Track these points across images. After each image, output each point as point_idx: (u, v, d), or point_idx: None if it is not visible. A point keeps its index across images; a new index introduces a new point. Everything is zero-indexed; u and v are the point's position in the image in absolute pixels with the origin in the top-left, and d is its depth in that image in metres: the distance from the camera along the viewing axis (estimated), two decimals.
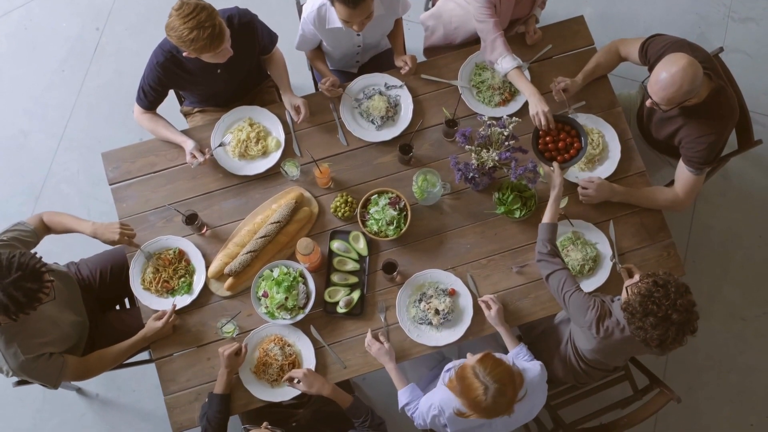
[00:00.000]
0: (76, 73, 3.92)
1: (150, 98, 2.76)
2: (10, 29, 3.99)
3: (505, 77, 2.85)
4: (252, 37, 2.76)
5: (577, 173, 2.83)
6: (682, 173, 2.69)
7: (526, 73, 2.93)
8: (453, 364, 2.45)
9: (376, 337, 2.61)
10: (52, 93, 3.89)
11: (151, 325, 2.63)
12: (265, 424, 2.26)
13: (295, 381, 2.50)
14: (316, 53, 3.08)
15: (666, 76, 2.38)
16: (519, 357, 2.56)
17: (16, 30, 3.99)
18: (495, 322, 2.61)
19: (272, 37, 2.90)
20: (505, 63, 2.79)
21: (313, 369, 2.62)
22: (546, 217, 2.55)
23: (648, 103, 2.52)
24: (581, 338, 2.51)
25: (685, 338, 2.19)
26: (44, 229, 2.66)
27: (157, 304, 2.70)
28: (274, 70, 2.97)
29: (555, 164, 2.62)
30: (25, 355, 2.37)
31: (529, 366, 2.41)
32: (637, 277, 2.29)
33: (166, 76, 2.70)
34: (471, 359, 2.18)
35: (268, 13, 3.65)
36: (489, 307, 2.62)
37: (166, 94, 2.80)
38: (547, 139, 2.73)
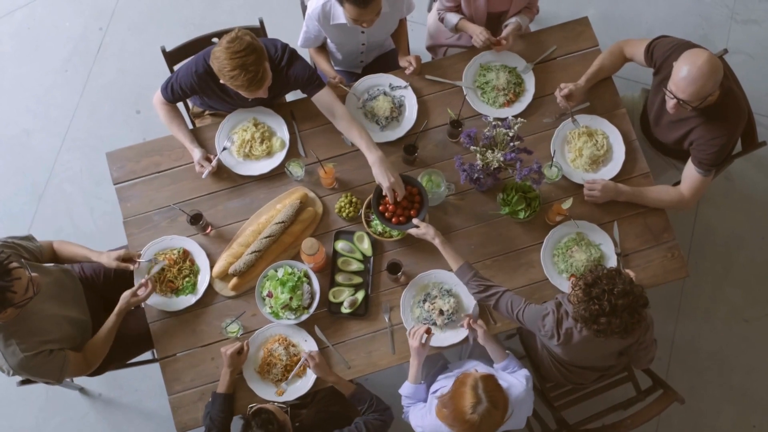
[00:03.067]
0: (79, 73, 3.92)
1: (176, 95, 2.74)
2: (13, 28, 4.00)
3: (455, 30, 3.02)
4: (288, 76, 2.69)
5: (581, 174, 2.83)
6: (690, 174, 2.69)
7: (530, 74, 2.95)
8: (440, 386, 2.46)
9: (423, 343, 2.49)
10: (55, 92, 3.89)
11: (125, 300, 2.60)
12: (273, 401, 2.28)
13: (304, 360, 2.55)
14: (320, 51, 3.08)
15: (692, 69, 2.35)
16: (507, 370, 2.54)
17: (19, 29, 3.99)
18: (484, 342, 2.56)
19: (313, 78, 2.70)
20: (450, 17, 3.00)
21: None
22: (453, 265, 2.53)
23: (671, 105, 2.47)
24: (549, 346, 2.51)
25: (644, 313, 2.17)
26: (51, 252, 2.68)
27: (161, 304, 2.70)
28: (348, 133, 2.72)
29: (415, 221, 2.60)
30: (24, 353, 2.36)
31: (515, 382, 2.38)
32: (570, 288, 2.28)
33: (200, 86, 2.68)
34: (476, 372, 2.18)
35: (270, 13, 3.67)
36: (475, 332, 2.56)
37: (190, 96, 2.80)
38: (389, 207, 2.66)
